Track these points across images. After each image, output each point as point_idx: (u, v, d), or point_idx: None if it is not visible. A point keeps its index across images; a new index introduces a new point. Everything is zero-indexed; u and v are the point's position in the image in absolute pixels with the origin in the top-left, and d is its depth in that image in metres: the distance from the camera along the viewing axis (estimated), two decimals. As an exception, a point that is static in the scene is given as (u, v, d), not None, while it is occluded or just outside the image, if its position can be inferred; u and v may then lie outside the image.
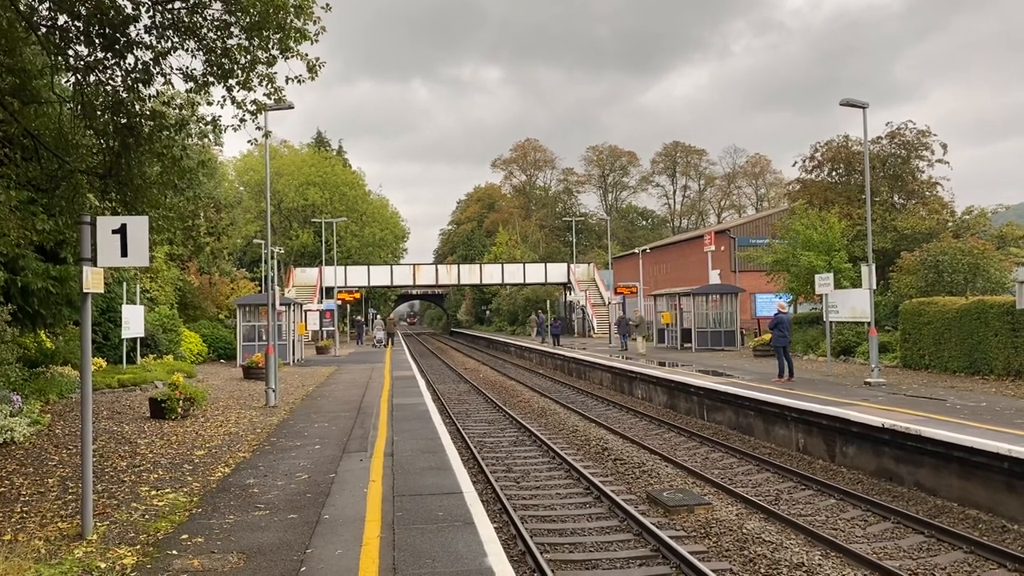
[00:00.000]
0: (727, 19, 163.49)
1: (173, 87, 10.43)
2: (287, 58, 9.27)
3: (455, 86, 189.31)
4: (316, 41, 9.32)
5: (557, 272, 60.11)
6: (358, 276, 58.13)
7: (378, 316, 62.97)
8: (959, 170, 60.31)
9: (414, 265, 64.63)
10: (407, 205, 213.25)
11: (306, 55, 9.42)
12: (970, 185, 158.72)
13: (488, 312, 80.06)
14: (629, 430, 17.15)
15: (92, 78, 9.37)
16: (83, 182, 9.63)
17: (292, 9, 8.88)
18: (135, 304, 20.55)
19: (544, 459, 14.04)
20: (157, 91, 9.74)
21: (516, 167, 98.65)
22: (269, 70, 9.41)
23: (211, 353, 30.86)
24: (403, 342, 52.84)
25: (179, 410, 14.27)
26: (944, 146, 29.56)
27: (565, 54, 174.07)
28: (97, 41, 9.00)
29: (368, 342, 49.45)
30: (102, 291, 7.65)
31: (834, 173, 31.38)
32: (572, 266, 60.04)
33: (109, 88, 9.46)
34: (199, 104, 10.19)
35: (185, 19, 9.06)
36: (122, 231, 6.86)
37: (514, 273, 61.17)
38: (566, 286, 59.66)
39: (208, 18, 9.11)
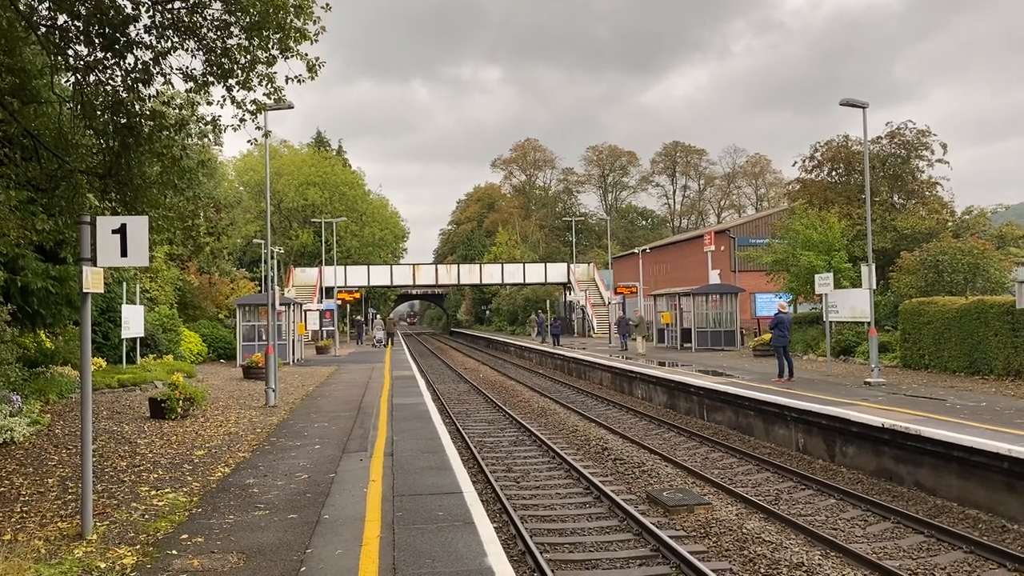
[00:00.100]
0: (727, 19, 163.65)
1: (173, 87, 10.44)
2: (287, 58, 9.27)
3: (455, 86, 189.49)
4: (316, 41, 9.33)
5: (557, 272, 60.13)
6: (358, 276, 58.14)
7: (378, 316, 62.95)
8: (959, 170, 60.33)
9: (414, 265, 64.65)
10: (407, 205, 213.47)
11: (306, 55, 9.42)
12: (970, 185, 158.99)
13: (488, 312, 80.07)
14: (629, 430, 17.15)
15: (92, 78, 9.37)
16: (83, 182, 9.63)
17: (292, 9, 8.88)
18: (135, 304, 20.55)
19: (544, 459, 14.04)
20: (157, 91, 9.74)
21: (516, 167, 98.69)
22: (269, 70, 9.41)
23: (211, 353, 30.86)
24: (403, 342, 52.84)
25: (179, 410, 14.27)
26: (944, 146, 29.59)
27: (565, 54, 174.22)
28: (97, 41, 9.00)
29: (368, 342, 49.45)
30: (102, 291, 7.65)
31: (834, 173, 31.38)
32: (572, 266, 60.06)
33: (109, 88, 9.46)
34: (199, 104, 10.19)
35: (185, 19, 9.06)
36: (122, 231, 6.86)
37: (514, 273, 61.18)
38: (566, 286, 59.68)
39: (208, 18, 9.11)
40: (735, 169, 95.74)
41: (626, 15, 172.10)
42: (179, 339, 27.00)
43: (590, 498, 11.09)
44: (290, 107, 16.61)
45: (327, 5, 9.35)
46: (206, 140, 12.19)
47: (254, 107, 9.71)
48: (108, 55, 9.12)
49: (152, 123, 9.66)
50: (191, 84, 9.48)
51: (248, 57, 9.25)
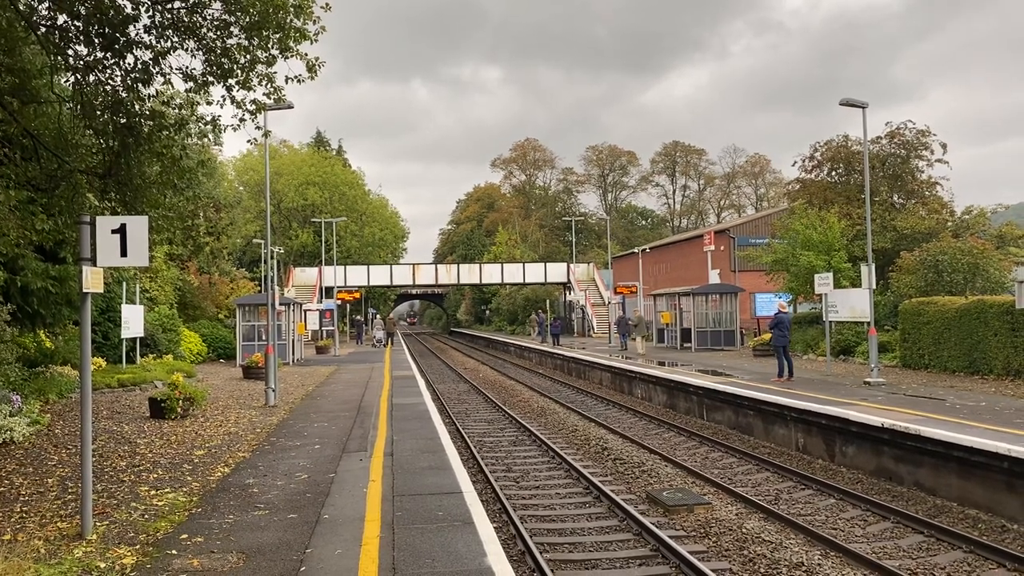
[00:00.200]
0: (726, 19, 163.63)
1: (173, 87, 10.44)
2: (287, 58, 9.27)
3: (455, 86, 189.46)
4: (316, 41, 9.32)
5: (557, 272, 60.14)
6: (358, 276, 58.14)
7: (378, 316, 62.92)
8: (959, 170, 60.41)
9: (413, 265, 64.66)
10: (407, 205, 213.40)
11: (306, 55, 9.42)
12: (969, 185, 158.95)
13: (488, 312, 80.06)
14: (629, 430, 17.15)
15: (91, 78, 9.37)
16: (82, 182, 9.62)
17: (292, 9, 8.88)
18: (135, 304, 20.55)
19: (544, 459, 14.04)
20: (157, 91, 9.74)
21: (516, 167, 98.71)
22: (269, 70, 9.41)
23: (211, 353, 30.86)
24: (403, 342, 52.84)
25: (179, 410, 14.27)
26: (944, 146, 29.57)
27: (565, 54, 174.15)
28: (97, 41, 9.00)
29: (368, 342, 49.44)
30: (102, 291, 7.64)
31: (834, 173, 31.37)
32: (572, 266, 60.07)
33: (108, 88, 9.46)
34: (199, 104, 10.19)
35: (185, 19, 9.06)
36: (122, 231, 6.86)
37: (514, 273, 61.19)
38: (566, 286, 59.68)
39: (208, 18, 9.10)
40: (735, 169, 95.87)
41: (626, 15, 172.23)
42: (179, 339, 27.00)
43: (590, 498, 11.10)
44: (290, 107, 16.61)
45: (327, 5, 9.35)
46: (206, 140, 12.20)
47: (254, 107, 9.71)
48: (108, 55, 9.12)
49: (152, 123, 9.66)
50: (191, 84, 9.48)
51: (248, 57, 9.25)
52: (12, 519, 7.47)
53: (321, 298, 49.17)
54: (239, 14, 8.94)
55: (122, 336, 19.34)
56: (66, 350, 18.23)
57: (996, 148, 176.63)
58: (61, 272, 12.56)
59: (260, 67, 9.35)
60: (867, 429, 12.15)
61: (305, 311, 38.75)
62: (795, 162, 35.69)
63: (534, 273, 60.47)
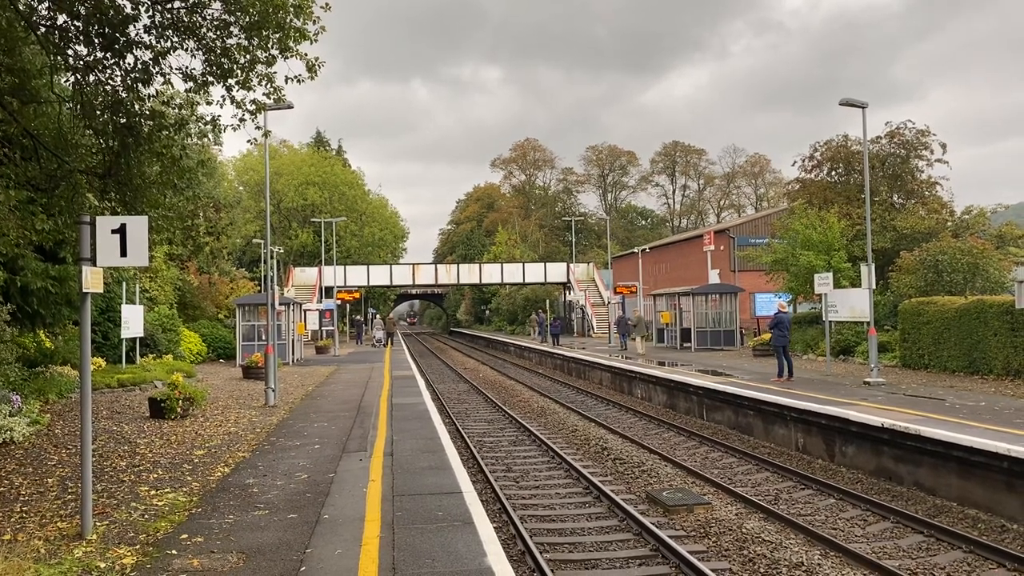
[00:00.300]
0: (726, 19, 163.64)
1: (172, 87, 10.44)
2: (287, 58, 9.27)
3: (455, 86, 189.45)
4: (316, 41, 9.32)
5: (556, 272, 60.14)
6: (357, 276, 58.14)
7: (377, 316, 62.91)
8: (958, 170, 60.58)
9: (413, 265, 64.67)
10: (407, 205, 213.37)
11: (305, 55, 9.42)
12: (969, 185, 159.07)
13: (487, 312, 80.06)
14: (628, 430, 17.16)
15: (91, 78, 9.37)
16: (82, 182, 9.62)
17: (291, 9, 8.87)
18: (134, 304, 20.55)
19: (544, 459, 14.04)
20: (156, 91, 9.74)
21: (515, 167, 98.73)
22: (268, 70, 9.41)
23: (210, 353, 30.86)
24: (402, 342, 52.83)
25: (178, 410, 14.27)
26: (943, 146, 29.57)
27: (565, 54, 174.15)
28: (96, 41, 9.00)
29: (367, 342, 49.43)
30: (101, 291, 7.64)
31: (833, 173, 31.38)
32: (571, 266, 60.08)
33: (108, 88, 9.46)
34: (198, 104, 10.19)
35: (184, 19, 9.05)
36: (121, 231, 6.86)
37: (513, 273, 61.20)
38: (565, 286, 59.68)
39: (207, 18, 9.10)
40: (735, 169, 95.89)
41: (626, 15, 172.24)
42: (179, 339, 27.00)
43: (590, 498, 11.10)
44: (290, 107, 16.62)
45: (327, 5, 9.35)
46: (206, 140, 12.21)
47: (254, 107, 9.71)
48: (108, 55, 9.12)
49: (152, 123, 9.66)
50: (191, 84, 9.48)
51: (248, 57, 9.24)
52: (12, 519, 7.47)
53: (321, 298, 49.17)
54: (239, 14, 8.94)
55: (122, 336, 19.33)
56: (66, 350, 18.23)
57: (996, 148, 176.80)
58: (61, 272, 12.56)
59: (260, 67, 9.35)
60: (867, 429, 12.15)
61: (305, 311, 38.75)
62: (795, 162, 35.72)
63: (534, 273, 60.48)
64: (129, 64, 9.24)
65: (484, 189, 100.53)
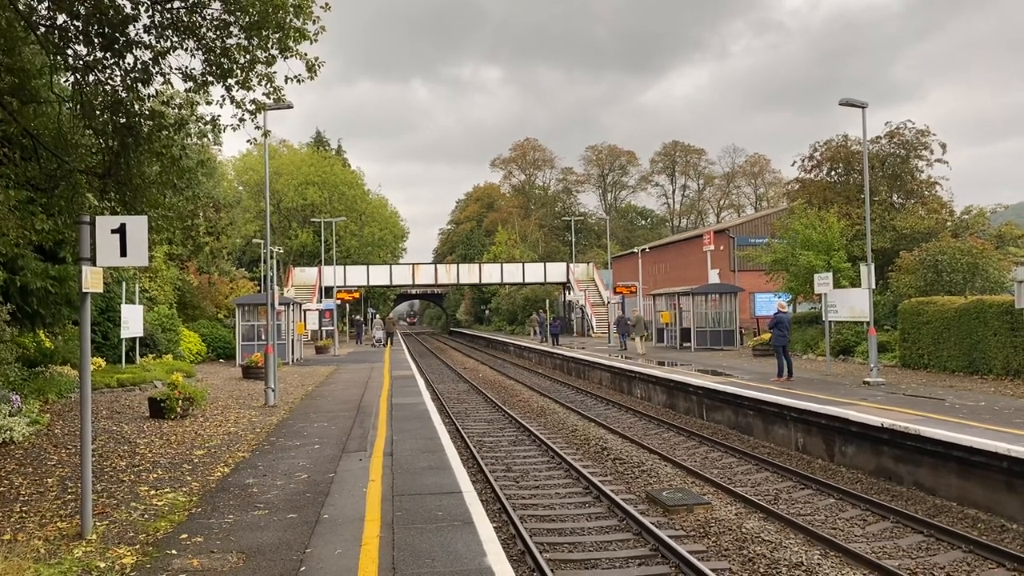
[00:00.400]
0: (726, 19, 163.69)
1: (172, 87, 10.44)
2: (286, 58, 9.27)
3: (455, 86, 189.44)
4: (315, 41, 9.32)
5: (556, 272, 60.15)
6: (357, 276, 58.14)
7: (377, 316, 62.93)
8: (958, 170, 60.72)
9: (413, 264, 64.69)
10: (407, 205, 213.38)
11: (305, 55, 9.42)
12: (969, 185, 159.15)
13: (487, 312, 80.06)
14: (628, 429, 17.16)
15: (91, 77, 9.37)
16: (82, 182, 9.62)
17: (291, 9, 8.88)
18: (134, 304, 20.55)
19: (543, 458, 14.04)
20: (156, 91, 9.74)
21: (515, 166, 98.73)
22: (268, 70, 9.41)
23: (210, 353, 30.85)
24: (402, 342, 52.83)
25: (178, 410, 14.27)
26: (943, 146, 29.58)
27: (565, 54, 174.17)
28: (96, 41, 9.00)
29: (367, 342, 49.43)
30: (101, 291, 7.64)
31: (833, 173, 31.38)
32: (571, 266, 60.09)
33: (108, 88, 9.46)
34: (198, 104, 10.19)
35: (184, 19, 9.06)
36: (121, 231, 6.86)
37: (513, 273, 61.21)
38: (565, 286, 59.69)
39: (207, 18, 9.10)
40: (734, 169, 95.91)
41: (626, 15, 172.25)
42: (178, 339, 27.00)
43: (589, 498, 11.10)
44: (289, 107, 16.62)
45: (327, 5, 9.35)
46: (205, 140, 12.20)
47: (253, 107, 9.71)
48: (107, 55, 9.12)
49: (151, 123, 9.66)
50: (190, 84, 9.49)
51: (247, 57, 9.24)
52: (12, 519, 7.47)
53: (321, 298, 49.19)
54: (239, 14, 8.94)
55: (122, 336, 19.33)
56: (66, 350, 18.23)
57: (996, 148, 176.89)
58: (61, 272, 12.56)
59: (260, 67, 9.35)
60: (867, 429, 12.16)
61: (305, 311, 38.75)
62: (795, 162, 35.73)
63: (533, 273, 60.48)
64: (129, 64, 9.24)
65: (484, 189, 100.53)
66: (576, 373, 30.62)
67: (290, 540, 6.64)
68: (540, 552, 8.42)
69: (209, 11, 9.07)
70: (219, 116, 13.27)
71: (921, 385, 16.98)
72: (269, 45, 9.17)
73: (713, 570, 7.77)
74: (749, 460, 13.56)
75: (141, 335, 20.90)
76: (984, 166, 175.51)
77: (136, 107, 9.49)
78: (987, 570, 8.05)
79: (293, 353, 31.01)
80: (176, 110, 10.27)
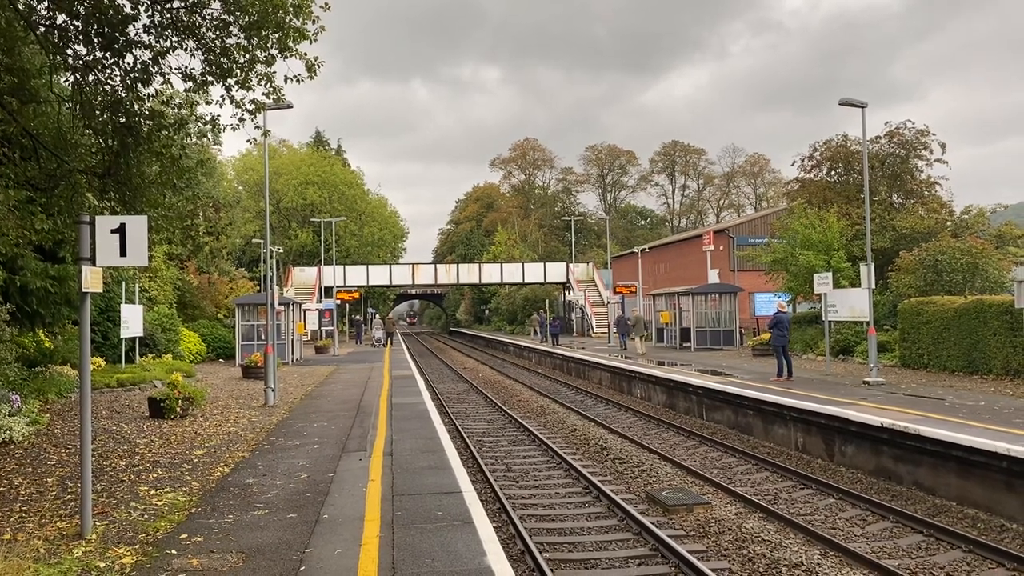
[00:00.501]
0: (726, 19, 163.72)
1: (172, 86, 10.44)
2: (286, 57, 9.27)
3: (455, 86, 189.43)
4: (315, 41, 9.32)
5: (556, 271, 60.15)
6: (357, 275, 58.13)
7: (377, 315, 62.93)
8: (958, 170, 60.79)
9: (413, 264, 64.68)
10: (407, 205, 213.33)
11: (305, 55, 9.42)
12: (969, 185, 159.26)
13: (487, 311, 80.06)
14: (628, 429, 17.15)
15: (91, 77, 9.37)
16: (82, 181, 9.62)
17: (291, 9, 8.88)
18: (134, 303, 20.55)
19: (543, 458, 14.04)
20: (156, 90, 9.75)
21: (515, 166, 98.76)
22: (268, 69, 9.41)
23: (210, 352, 30.85)
24: (402, 342, 52.83)
25: (178, 409, 14.27)
26: (943, 145, 29.59)
27: (565, 54, 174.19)
28: (96, 40, 9.00)
29: (367, 342, 49.43)
30: (101, 290, 7.64)
31: (833, 172, 31.40)
32: (571, 265, 60.08)
33: (108, 87, 9.46)
34: (198, 103, 10.19)
35: (184, 18, 9.06)
36: (121, 230, 6.85)
37: (513, 272, 61.20)
38: (565, 285, 59.68)
39: (207, 17, 9.10)
40: (734, 169, 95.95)
41: (625, 15, 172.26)
42: (178, 339, 26.99)
43: (589, 497, 11.10)
44: (289, 107, 16.62)
45: (326, 5, 9.35)
46: (205, 140, 12.19)
47: (253, 107, 9.71)
48: (107, 55, 9.12)
49: (151, 123, 9.66)
50: (190, 84, 9.49)
51: (247, 57, 9.25)
52: (12, 519, 7.47)
53: (320, 298, 49.19)
54: (238, 14, 8.94)
55: (121, 336, 19.33)
56: (65, 350, 18.23)
57: (996, 148, 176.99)
58: (60, 272, 12.56)
59: (259, 67, 9.36)
60: (866, 429, 12.16)
61: (304, 311, 38.74)
62: (794, 162, 35.77)
63: (533, 273, 60.48)
64: (128, 64, 9.25)
65: (484, 189, 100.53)
66: (576, 373, 30.62)
67: (290, 540, 6.64)
68: (540, 552, 8.42)
69: (209, 11, 9.07)
70: (219, 116, 13.27)
71: (921, 385, 16.98)
72: (269, 45, 9.17)
73: (713, 570, 7.77)
74: (749, 460, 13.56)
75: (141, 335, 20.90)
76: (984, 166, 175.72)
77: (136, 107, 9.49)
78: (987, 570, 8.05)
79: (293, 353, 31.00)
80: (176, 110, 10.27)
